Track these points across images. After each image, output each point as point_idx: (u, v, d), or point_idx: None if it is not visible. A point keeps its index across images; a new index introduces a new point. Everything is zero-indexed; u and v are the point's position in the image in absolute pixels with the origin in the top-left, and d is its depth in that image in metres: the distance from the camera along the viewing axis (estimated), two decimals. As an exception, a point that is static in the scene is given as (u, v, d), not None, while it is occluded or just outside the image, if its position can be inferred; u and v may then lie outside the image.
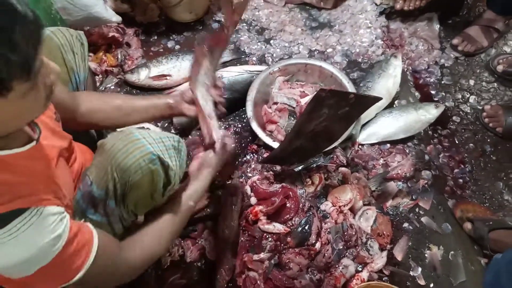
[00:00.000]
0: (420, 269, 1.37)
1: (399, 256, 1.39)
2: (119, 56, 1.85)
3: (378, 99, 1.21)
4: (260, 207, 1.37)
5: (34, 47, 0.60)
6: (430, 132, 1.72)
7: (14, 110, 0.63)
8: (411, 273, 1.36)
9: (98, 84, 1.78)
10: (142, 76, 1.73)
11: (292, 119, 1.62)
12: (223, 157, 1.17)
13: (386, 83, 1.69)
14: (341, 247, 1.35)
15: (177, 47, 1.94)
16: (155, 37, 1.96)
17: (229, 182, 1.47)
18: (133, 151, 0.88)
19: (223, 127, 1.34)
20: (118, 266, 0.88)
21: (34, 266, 0.70)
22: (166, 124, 1.70)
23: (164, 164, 0.91)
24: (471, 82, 1.88)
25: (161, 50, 1.92)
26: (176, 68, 1.76)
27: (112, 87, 1.78)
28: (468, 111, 1.79)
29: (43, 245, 0.69)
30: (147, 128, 1.62)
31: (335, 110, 1.20)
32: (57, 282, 0.76)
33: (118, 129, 1.25)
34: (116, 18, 1.70)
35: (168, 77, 1.74)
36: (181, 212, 1.04)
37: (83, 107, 1.10)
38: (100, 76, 1.79)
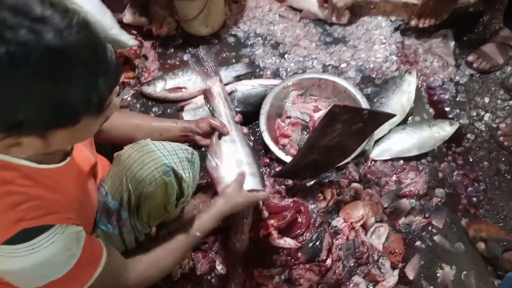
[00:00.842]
0: (432, 288, 1.36)
1: (411, 275, 1.37)
2: (136, 68, 1.88)
3: (391, 116, 1.22)
4: (272, 221, 1.37)
5: (110, 90, 0.66)
6: (444, 149, 1.71)
7: (71, 136, 0.67)
8: (423, 292, 1.35)
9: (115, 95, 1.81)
10: (158, 88, 1.76)
11: (305, 133, 1.63)
12: (246, 200, 1.13)
13: (400, 99, 1.69)
14: (352, 264, 1.34)
15: (193, 60, 1.97)
16: (172, 50, 2.00)
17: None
18: (148, 162, 0.90)
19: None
20: (119, 282, 0.89)
21: (45, 280, 0.72)
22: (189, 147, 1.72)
23: (177, 176, 0.93)
24: (486, 99, 1.86)
25: (177, 63, 1.95)
26: (191, 80, 1.78)
27: (129, 99, 1.81)
28: (483, 128, 1.78)
29: (58, 262, 0.72)
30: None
31: (349, 126, 1.20)
32: None
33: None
34: (133, 43, 1.73)
35: (183, 89, 1.77)
36: (185, 241, 1.03)
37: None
38: (117, 87, 1.83)
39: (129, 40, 1.72)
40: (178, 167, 0.94)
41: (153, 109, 1.79)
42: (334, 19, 2.05)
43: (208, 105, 1.37)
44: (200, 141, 1.25)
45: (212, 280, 1.40)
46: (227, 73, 1.85)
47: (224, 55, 1.98)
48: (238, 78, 1.86)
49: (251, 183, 1.16)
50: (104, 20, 1.63)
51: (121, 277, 0.88)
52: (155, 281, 1.00)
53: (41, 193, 0.71)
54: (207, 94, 1.36)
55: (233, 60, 1.96)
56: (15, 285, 0.72)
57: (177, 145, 1.00)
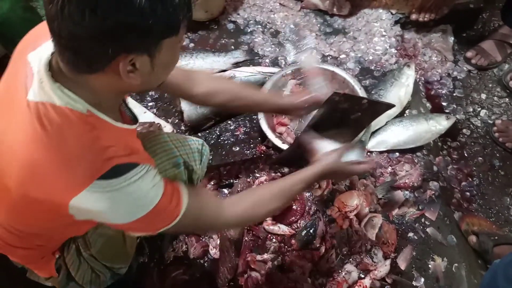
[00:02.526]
0: (423, 279, 1.36)
1: (402, 265, 1.38)
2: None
3: (390, 106, 1.21)
4: (266, 208, 1.37)
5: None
6: (439, 143, 1.72)
7: (171, 55, 0.73)
8: (414, 283, 1.36)
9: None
10: (156, 71, 1.74)
11: (302, 122, 1.62)
12: (347, 168, 1.12)
13: (398, 92, 1.69)
14: (345, 253, 1.35)
15: (192, 45, 1.95)
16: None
17: (236, 181, 1.47)
18: (160, 153, 0.91)
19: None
20: (215, 217, 0.92)
21: (138, 213, 0.77)
22: (177, 121, 1.71)
23: (188, 168, 0.95)
24: (483, 96, 1.88)
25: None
26: (190, 65, 1.77)
27: (125, 81, 1.79)
28: (479, 124, 1.79)
29: (148, 193, 0.77)
30: (158, 123, 1.63)
31: (347, 115, 1.20)
32: (156, 227, 0.84)
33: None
34: None
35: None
36: (290, 189, 1.04)
37: (199, 89, 1.13)
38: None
39: None
40: (190, 158, 0.96)
41: (150, 93, 1.78)
42: (335, 10, 2.04)
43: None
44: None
45: (205, 264, 1.40)
46: (225, 60, 1.84)
47: (223, 41, 1.97)
48: (237, 65, 1.85)
49: (352, 155, 1.16)
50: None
51: (217, 213, 0.92)
52: (255, 222, 1.10)
53: (127, 140, 0.77)
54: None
55: (232, 47, 1.94)
56: (110, 222, 0.78)
57: (188, 136, 1.03)
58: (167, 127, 1.65)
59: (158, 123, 1.64)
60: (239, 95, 1.19)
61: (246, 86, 1.38)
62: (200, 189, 0.95)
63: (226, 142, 1.65)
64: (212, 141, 1.64)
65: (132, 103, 1.72)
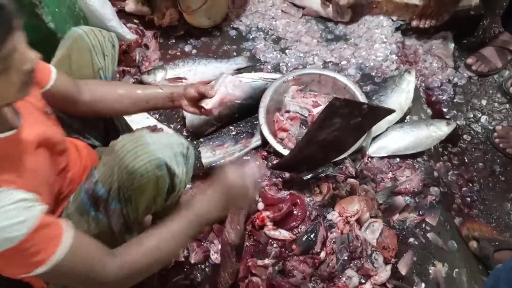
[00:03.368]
0: (423, 285, 1.37)
1: (403, 271, 1.39)
2: (137, 57, 1.89)
3: (390, 111, 1.23)
4: (267, 213, 1.38)
5: (4, 32, 0.65)
6: (440, 149, 1.72)
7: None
8: (414, 288, 1.36)
9: (114, 83, 1.81)
10: (159, 77, 1.76)
11: (304, 128, 1.63)
12: (242, 187, 1.02)
13: (398, 98, 1.70)
14: (345, 258, 1.35)
15: (194, 51, 1.97)
16: (173, 41, 2.00)
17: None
18: (141, 154, 0.88)
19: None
20: (94, 270, 0.83)
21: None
22: (179, 126, 1.72)
23: (170, 171, 0.92)
24: (483, 102, 1.89)
25: (178, 53, 1.96)
26: (192, 71, 1.79)
27: (128, 87, 1.81)
28: (479, 130, 1.80)
29: (9, 226, 0.71)
30: (160, 128, 1.65)
31: (348, 120, 1.21)
32: (20, 270, 0.76)
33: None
34: (131, 36, 1.74)
35: (183, 80, 1.77)
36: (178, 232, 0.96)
37: (86, 96, 1.13)
38: (118, 75, 1.83)
39: (127, 33, 1.73)
40: (172, 161, 0.92)
41: (153, 99, 1.79)
42: (336, 16, 2.06)
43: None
44: (186, 106, 1.24)
45: (206, 269, 1.41)
46: (227, 66, 1.86)
47: (225, 47, 1.99)
48: (239, 71, 1.87)
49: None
50: (104, 11, 1.65)
51: (100, 267, 0.83)
52: (147, 274, 0.93)
53: None
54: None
55: (234, 53, 1.96)
56: None
57: (174, 137, 0.99)
58: (169, 133, 1.67)
59: (161, 128, 1.66)
60: (124, 96, 1.19)
61: (130, 86, 1.42)
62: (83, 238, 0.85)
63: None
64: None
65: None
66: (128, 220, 0.99)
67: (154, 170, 0.89)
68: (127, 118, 1.65)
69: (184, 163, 0.98)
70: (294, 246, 1.35)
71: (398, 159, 1.62)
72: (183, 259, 1.40)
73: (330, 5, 2.02)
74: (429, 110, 1.83)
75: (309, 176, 1.48)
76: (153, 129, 1.67)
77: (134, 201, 0.95)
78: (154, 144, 0.90)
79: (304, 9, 2.12)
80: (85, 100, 1.12)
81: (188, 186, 1.46)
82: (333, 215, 1.42)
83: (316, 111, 1.63)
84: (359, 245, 1.35)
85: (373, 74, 1.89)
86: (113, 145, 0.93)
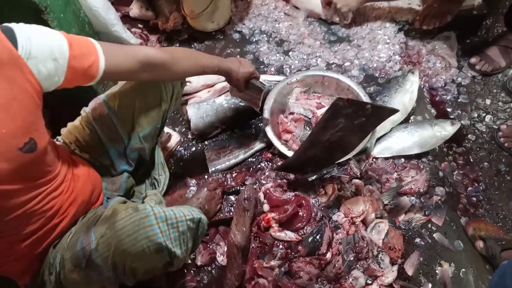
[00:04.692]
0: (430, 285, 1.37)
1: (409, 271, 1.38)
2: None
3: (394, 111, 1.23)
4: (273, 214, 1.38)
5: None
6: (445, 149, 1.72)
7: None
8: (421, 288, 1.36)
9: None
10: (163, 81, 1.77)
11: (308, 129, 1.64)
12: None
13: (402, 98, 1.70)
14: (351, 259, 1.35)
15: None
16: (177, 45, 2.02)
17: (243, 187, 1.49)
18: (141, 239, 0.87)
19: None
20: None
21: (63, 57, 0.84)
22: (184, 129, 1.73)
23: (171, 254, 0.91)
24: (488, 101, 1.88)
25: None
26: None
27: (133, 91, 1.82)
28: (484, 130, 1.79)
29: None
30: (167, 133, 1.66)
31: (352, 120, 1.21)
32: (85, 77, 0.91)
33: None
34: (134, 41, 1.75)
35: (188, 83, 1.78)
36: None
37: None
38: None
39: (131, 38, 1.74)
40: (175, 243, 0.91)
41: (157, 102, 1.81)
42: (337, 20, 2.06)
43: None
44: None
45: (213, 271, 1.41)
46: (231, 69, 1.86)
47: (229, 50, 2.00)
48: (242, 73, 1.87)
49: None
50: (108, 16, 1.66)
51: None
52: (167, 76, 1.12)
53: None
54: None
55: (238, 56, 1.97)
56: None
57: (183, 213, 0.95)
58: (174, 136, 1.68)
59: (168, 133, 1.67)
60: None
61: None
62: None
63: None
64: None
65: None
66: (122, 283, 1.00)
67: (153, 254, 0.89)
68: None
69: (190, 237, 0.96)
70: (300, 247, 1.35)
71: (403, 160, 1.62)
72: (189, 261, 1.41)
73: (331, 10, 2.04)
74: (433, 110, 1.83)
75: (314, 177, 1.48)
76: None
77: (130, 274, 0.95)
78: (157, 225, 0.88)
79: (306, 11, 2.13)
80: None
81: (193, 188, 1.47)
82: (338, 216, 1.42)
83: (320, 112, 1.64)
84: (365, 245, 1.35)
85: (377, 75, 1.89)
86: (115, 217, 0.91)
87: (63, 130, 1.20)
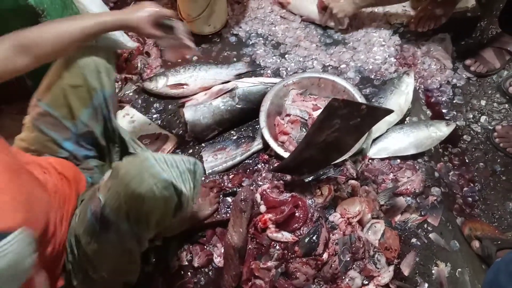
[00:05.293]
0: (426, 285, 1.37)
1: (406, 271, 1.39)
2: (139, 65, 1.91)
3: (389, 111, 1.24)
4: (269, 215, 1.38)
5: None
6: (440, 149, 1.73)
7: None
8: (417, 288, 1.36)
9: (117, 90, 1.84)
10: (160, 84, 1.79)
11: (304, 131, 1.65)
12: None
13: (398, 100, 1.72)
14: (348, 259, 1.35)
15: (195, 58, 1.99)
16: (175, 48, 2.02)
17: (239, 189, 1.49)
18: (147, 178, 0.88)
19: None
20: None
21: None
22: (181, 132, 1.74)
23: (177, 190, 0.92)
24: (483, 102, 1.90)
25: (179, 60, 1.98)
26: (193, 77, 1.81)
27: (131, 94, 1.83)
28: (479, 130, 1.81)
29: None
30: (164, 134, 1.67)
31: (347, 121, 1.22)
32: None
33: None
34: (131, 44, 1.76)
35: (185, 86, 1.80)
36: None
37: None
38: (120, 83, 1.85)
39: (128, 41, 1.75)
40: (178, 180, 0.92)
41: (155, 105, 1.82)
42: (332, 25, 2.08)
43: None
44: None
45: (210, 272, 1.41)
46: (228, 72, 1.88)
47: (226, 53, 2.01)
48: (239, 76, 1.89)
49: None
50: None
51: None
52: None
53: None
54: None
55: (234, 59, 1.98)
56: None
57: (179, 156, 0.98)
58: (171, 138, 1.69)
59: (166, 134, 1.68)
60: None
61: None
62: None
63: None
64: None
65: (136, 114, 1.76)
66: (140, 238, 1.00)
67: (161, 191, 0.89)
68: (130, 125, 1.68)
69: (191, 179, 0.98)
70: (296, 248, 1.35)
71: (398, 160, 1.63)
72: (186, 263, 1.41)
73: (326, 16, 2.05)
74: (428, 112, 1.84)
75: (310, 178, 1.49)
76: (157, 136, 1.69)
77: (144, 221, 0.95)
78: (158, 165, 0.90)
79: (302, 16, 2.14)
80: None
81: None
82: (335, 217, 1.43)
83: (316, 114, 1.64)
84: (361, 246, 1.36)
85: (372, 77, 1.91)
86: (117, 169, 0.92)
87: (14, 145, 1.18)
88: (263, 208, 1.42)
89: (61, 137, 1.18)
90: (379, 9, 2.11)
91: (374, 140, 1.65)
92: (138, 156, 0.93)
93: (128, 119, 1.75)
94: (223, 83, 1.83)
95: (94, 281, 1.05)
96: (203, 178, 1.54)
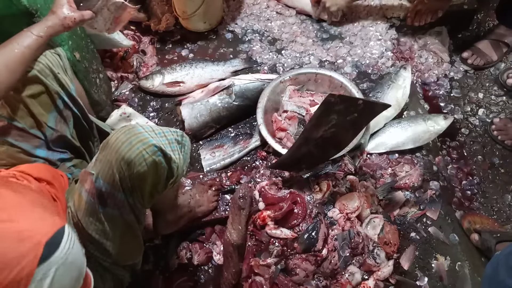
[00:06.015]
0: (426, 279, 1.37)
1: (405, 266, 1.39)
2: (135, 63, 1.90)
3: (386, 106, 1.23)
4: (268, 212, 1.38)
5: None
6: (438, 143, 1.73)
7: None
8: (417, 282, 1.37)
9: (113, 89, 1.83)
10: (156, 82, 1.78)
11: (302, 127, 1.64)
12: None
13: (395, 94, 1.71)
14: (347, 254, 1.35)
15: (191, 55, 1.99)
16: (170, 46, 2.02)
17: (238, 186, 1.49)
18: (136, 143, 0.90)
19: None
20: None
21: None
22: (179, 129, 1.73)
23: (166, 156, 0.94)
24: (480, 95, 1.89)
25: (175, 58, 1.97)
26: (189, 75, 1.80)
27: (127, 93, 1.83)
28: (477, 123, 1.81)
29: None
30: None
31: (344, 116, 1.22)
32: None
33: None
34: (127, 42, 1.76)
35: (181, 84, 1.79)
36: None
37: None
38: (116, 81, 1.84)
39: (123, 40, 1.75)
40: (167, 148, 0.94)
41: (151, 103, 1.81)
42: (325, 17, 2.07)
43: None
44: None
45: (209, 270, 1.41)
46: (224, 68, 1.87)
47: (222, 50, 2.00)
48: (236, 73, 1.88)
49: None
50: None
51: None
52: None
53: None
54: None
55: (231, 56, 1.98)
56: None
57: (166, 127, 1.01)
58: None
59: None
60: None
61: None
62: None
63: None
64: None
65: (133, 113, 1.75)
66: (136, 209, 1.00)
67: (151, 156, 0.91)
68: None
69: (179, 149, 1.00)
70: (296, 244, 1.35)
71: (397, 155, 1.62)
72: (186, 261, 1.41)
73: (320, 9, 2.04)
74: (426, 105, 1.84)
75: (308, 174, 1.48)
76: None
77: (138, 189, 0.96)
78: (146, 132, 0.92)
79: (296, 9, 2.14)
80: None
81: (188, 187, 1.47)
82: (333, 212, 1.42)
83: (314, 110, 1.64)
84: (360, 241, 1.36)
85: (369, 71, 1.90)
86: (107, 140, 0.94)
87: None
88: (261, 205, 1.42)
89: (32, 146, 1.18)
90: (375, 3, 2.10)
91: (372, 135, 1.64)
92: (125, 125, 0.95)
93: (124, 118, 1.74)
94: (219, 80, 1.82)
95: (104, 269, 1.05)
96: (201, 176, 1.53)
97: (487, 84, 1.93)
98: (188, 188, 1.46)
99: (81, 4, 1.20)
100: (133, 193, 0.96)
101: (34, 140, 1.18)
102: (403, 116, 1.75)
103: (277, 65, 1.93)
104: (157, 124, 1.73)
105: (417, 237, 1.45)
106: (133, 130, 0.92)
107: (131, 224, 1.02)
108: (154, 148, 0.91)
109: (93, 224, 0.97)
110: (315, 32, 2.07)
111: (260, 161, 1.61)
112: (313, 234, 1.35)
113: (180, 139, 1.01)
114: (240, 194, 1.39)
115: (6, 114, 1.13)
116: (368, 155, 1.62)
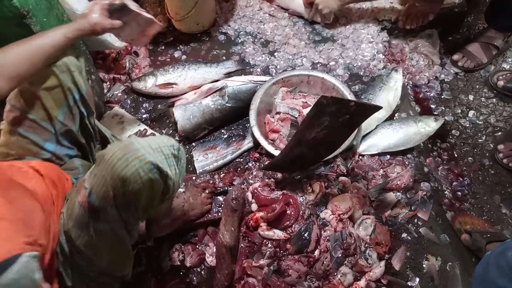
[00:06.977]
0: (417, 279, 1.38)
1: (397, 266, 1.40)
2: (127, 65, 1.90)
3: (378, 108, 1.24)
4: (261, 214, 1.39)
5: None
6: (429, 145, 1.75)
7: None
8: (408, 283, 1.37)
9: (105, 91, 1.82)
10: (149, 84, 1.78)
11: (294, 128, 1.65)
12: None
13: (386, 96, 1.73)
14: (339, 255, 1.36)
15: (184, 57, 1.99)
16: (163, 47, 2.02)
17: (230, 188, 1.49)
18: (132, 160, 0.89)
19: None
20: None
21: None
22: (171, 131, 1.73)
23: (162, 173, 0.92)
24: (471, 97, 1.91)
25: (168, 59, 1.97)
26: (182, 77, 1.80)
27: (120, 94, 1.82)
28: (467, 125, 1.83)
29: None
30: (152, 133, 1.66)
31: (336, 118, 1.22)
32: None
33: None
34: (119, 44, 1.75)
35: (174, 86, 1.79)
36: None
37: None
38: (108, 83, 1.84)
39: (115, 41, 1.74)
40: (164, 164, 0.93)
41: (144, 105, 1.81)
42: (318, 19, 2.08)
43: None
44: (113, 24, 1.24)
45: (202, 272, 1.41)
46: (217, 70, 1.87)
47: (215, 52, 2.00)
48: (229, 75, 1.88)
49: None
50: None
51: None
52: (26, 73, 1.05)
53: None
54: None
55: (224, 58, 1.98)
56: None
57: (163, 141, 0.99)
58: (158, 136, 1.68)
59: (152, 133, 1.67)
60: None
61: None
62: None
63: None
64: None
65: (125, 115, 1.75)
66: (129, 225, 1.00)
67: (147, 174, 0.90)
68: (119, 126, 1.67)
69: (175, 164, 0.99)
70: (288, 246, 1.36)
71: (388, 156, 1.64)
72: (178, 262, 1.41)
73: (312, 11, 2.05)
74: (417, 107, 1.86)
75: (301, 176, 1.49)
76: (144, 133, 1.69)
77: (132, 205, 0.95)
78: (143, 149, 0.91)
79: (288, 10, 2.15)
80: None
81: (181, 190, 1.47)
82: (326, 213, 1.43)
83: (306, 111, 1.65)
84: (352, 242, 1.37)
85: (361, 73, 1.91)
86: (102, 155, 0.93)
87: None
88: (254, 206, 1.43)
89: (42, 139, 1.18)
90: (367, 5, 2.11)
91: (364, 136, 1.66)
92: (122, 141, 0.94)
93: (117, 119, 1.73)
94: (212, 82, 1.82)
95: (91, 279, 1.04)
96: (194, 178, 1.53)
97: (477, 86, 1.95)
98: (181, 191, 1.46)
99: (113, 14, 1.23)
100: (127, 209, 0.95)
101: (45, 133, 1.18)
102: (395, 118, 1.77)
103: (269, 67, 1.94)
104: (149, 126, 1.73)
105: (408, 237, 1.46)
106: (130, 146, 0.91)
107: (122, 239, 1.01)
108: (151, 165, 0.90)
109: (81, 237, 0.97)
110: (308, 34, 2.08)
111: (253, 162, 1.62)
112: (305, 235, 1.36)
113: (177, 152, 1.00)
114: (233, 196, 1.40)
115: (19, 105, 1.13)
116: (360, 157, 1.63)
